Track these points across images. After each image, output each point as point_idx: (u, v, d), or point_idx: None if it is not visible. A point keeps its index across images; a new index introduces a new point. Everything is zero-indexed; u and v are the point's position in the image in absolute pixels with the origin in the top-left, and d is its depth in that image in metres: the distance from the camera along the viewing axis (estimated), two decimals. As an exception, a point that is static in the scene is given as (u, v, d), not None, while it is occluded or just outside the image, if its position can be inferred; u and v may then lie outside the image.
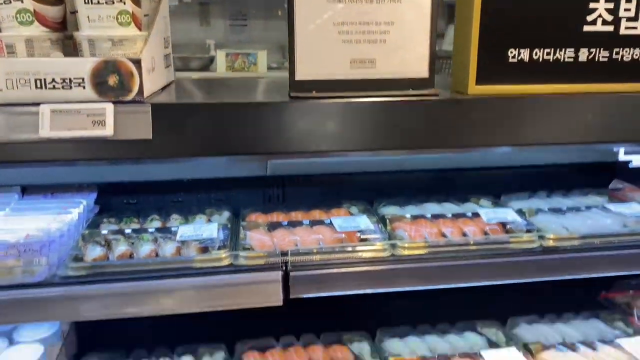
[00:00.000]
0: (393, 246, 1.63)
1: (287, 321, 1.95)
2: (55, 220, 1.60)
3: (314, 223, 1.73)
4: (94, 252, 1.54)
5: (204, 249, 1.57)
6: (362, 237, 1.65)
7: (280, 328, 1.93)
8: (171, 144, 1.40)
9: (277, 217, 1.81)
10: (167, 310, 1.47)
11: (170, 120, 1.38)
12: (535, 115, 1.52)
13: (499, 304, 2.09)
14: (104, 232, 1.63)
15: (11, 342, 1.60)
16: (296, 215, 1.83)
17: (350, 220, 1.74)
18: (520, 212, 1.83)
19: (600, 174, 2.18)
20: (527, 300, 2.12)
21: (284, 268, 1.53)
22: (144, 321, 1.86)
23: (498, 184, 2.11)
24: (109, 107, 1.35)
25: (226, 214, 1.83)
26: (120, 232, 1.64)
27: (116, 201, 1.97)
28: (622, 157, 1.83)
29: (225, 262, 1.54)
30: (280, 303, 1.52)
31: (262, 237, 1.64)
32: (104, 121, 1.35)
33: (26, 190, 1.86)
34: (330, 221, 1.73)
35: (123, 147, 1.38)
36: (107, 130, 1.34)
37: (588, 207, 1.88)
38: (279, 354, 1.77)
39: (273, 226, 1.72)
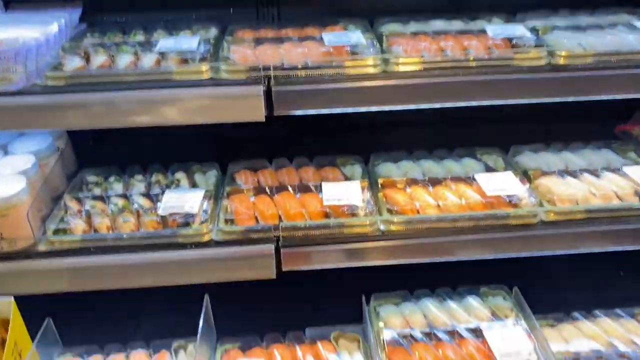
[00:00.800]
0: (385, 62, 1.52)
1: (284, 148, 1.94)
2: (33, 31, 1.54)
3: (302, 39, 1.62)
4: (73, 63, 1.50)
5: (184, 62, 1.51)
6: (352, 52, 1.54)
7: (276, 154, 1.92)
8: None
9: (265, 34, 1.70)
10: (146, 122, 1.45)
11: None
12: None
13: (506, 136, 2.00)
14: (84, 43, 1.58)
15: (6, 153, 1.65)
16: (286, 33, 1.71)
17: (341, 36, 1.61)
18: (533, 29, 1.65)
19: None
20: (537, 133, 2.02)
21: (266, 83, 1.46)
22: (142, 142, 1.90)
23: (517, 1, 1.89)
24: None
25: (213, 31, 1.73)
26: (100, 44, 1.58)
27: (103, 19, 1.88)
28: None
29: (205, 75, 1.48)
30: (263, 119, 1.47)
31: (244, 51, 1.55)
32: None
33: (9, 5, 1.78)
34: (321, 37, 1.61)
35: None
36: None
37: (613, 25, 1.68)
38: (271, 174, 1.77)
39: (259, 41, 1.61)
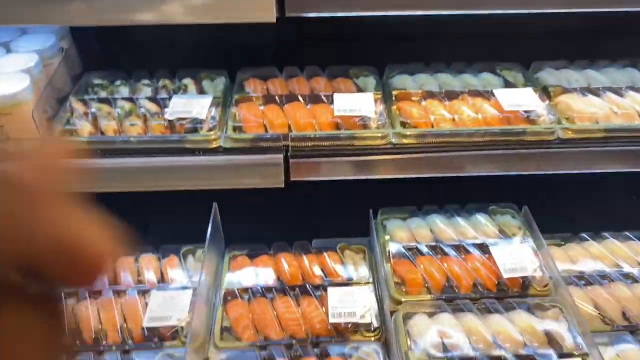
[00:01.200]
0: (406, -38, 1.42)
1: (295, 57, 1.87)
2: None
3: None
4: (72, -45, 1.41)
5: (191, -44, 1.41)
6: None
7: (287, 63, 1.84)
8: None
9: None
10: (149, 20, 1.37)
11: None
12: None
13: (528, 53, 1.90)
14: None
15: (8, 52, 1.59)
16: None
17: None
18: None
19: None
20: (561, 50, 1.92)
21: (276, -18, 1.37)
22: (148, 47, 1.83)
23: None
24: None
25: None
26: None
27: None
28: None
29: (214, -29, 1.40)
30: (274, 20, 1.40)
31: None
32: None
33: None
34: None
35: None
36: None
37: None
38: (281, 83, 1.72)
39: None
